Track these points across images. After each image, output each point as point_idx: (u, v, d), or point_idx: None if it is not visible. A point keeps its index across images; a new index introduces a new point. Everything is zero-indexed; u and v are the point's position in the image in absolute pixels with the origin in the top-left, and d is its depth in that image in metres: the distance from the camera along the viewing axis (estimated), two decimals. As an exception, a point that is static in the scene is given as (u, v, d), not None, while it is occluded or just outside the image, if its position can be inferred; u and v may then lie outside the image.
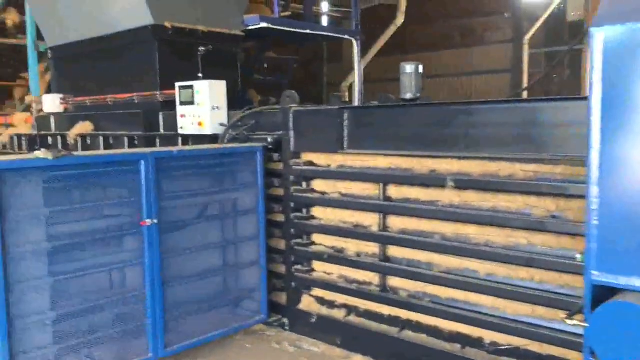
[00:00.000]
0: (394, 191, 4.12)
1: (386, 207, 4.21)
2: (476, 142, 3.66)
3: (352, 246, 4.48)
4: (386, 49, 13.63)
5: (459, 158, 3.71)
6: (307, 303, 4.78)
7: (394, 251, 4.19)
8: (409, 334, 4.13)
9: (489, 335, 3.68)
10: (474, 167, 3.64)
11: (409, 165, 3.99)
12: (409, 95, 4.62)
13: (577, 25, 16.85)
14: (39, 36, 8.08)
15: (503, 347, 3.60)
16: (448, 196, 3.77)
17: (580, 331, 3.02)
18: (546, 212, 3.34)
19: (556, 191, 3.28)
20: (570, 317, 2.93)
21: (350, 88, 13.33)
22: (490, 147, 3.59)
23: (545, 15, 16.45)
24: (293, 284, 4.83)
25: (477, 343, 3.76)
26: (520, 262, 3.47)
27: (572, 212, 3.23)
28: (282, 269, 4.93)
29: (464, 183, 3.68)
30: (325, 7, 13.71)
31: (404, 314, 4.17)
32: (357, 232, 4.42)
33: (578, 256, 2.95)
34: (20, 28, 9.13)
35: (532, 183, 3.37)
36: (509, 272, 3.56)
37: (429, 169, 3.87)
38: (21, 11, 8.81)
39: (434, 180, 3.84)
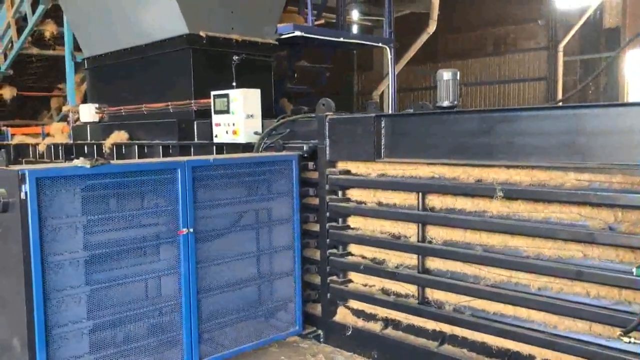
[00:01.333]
0: (438, 201, 3.99)
1: (424, 217, 4.10)
2: (522, 151, 3.52)
3: (389, 257, 4.38)
4: (416, 57, 13.53)
5: (507, 167, 3.57)
6: (342, 315, 4.69)
7: (438, 263, 4.06)
8: (449, 349, 3.99)
9: (541, 353, 3.51)
10: (523, 177, 3.49)
11: (453, 175, 3.86)
12: (446, 103, 4.51)
13: (613, 32, 16.50)
14: (76, 47, 8.22)
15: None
16: (495, 206, 3.64)
17: (636, 349, 2.88)
18: (602, 224, 3.18)
19: (613, 202, 3.11)
20: (626, 333, 2.80)
21: (382, 96, 13.28)
22: (537, 155, 3.45)
23: (580, 23, 16.16)
24: (328, 295, 4.74)
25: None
26: (574, 276, 3.30)
27: (631, 224, 3.06)
28: (317, 279, 4.85)
29: (513, 193, 3.52)
30: (355, 15, 13.70)
31: (446, 328, 4.03)
32: (393, 243, 4.31)
33: (634, 270, 2.81)
34: (58, 39, 9.31)
35: (587, 193, 3.20)
36: (562, 287, 3.40)
37: (475, 179, 3.74)
38: (59, 23, 8.98)
39: (479, 190, 3.70)
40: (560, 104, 12.68)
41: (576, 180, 3.27)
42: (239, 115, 5.31)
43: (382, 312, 4.44)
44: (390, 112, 8.88)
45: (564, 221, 3.36)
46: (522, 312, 3.60)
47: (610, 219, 3.15)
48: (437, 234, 4.03)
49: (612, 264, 3.18)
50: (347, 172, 4.61)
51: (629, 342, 2.72)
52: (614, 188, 3.13)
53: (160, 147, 6.23)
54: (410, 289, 4.23)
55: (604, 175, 3.16)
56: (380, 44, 9.12)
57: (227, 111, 5.40)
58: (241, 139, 5.31)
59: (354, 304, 4.66)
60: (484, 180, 3.69)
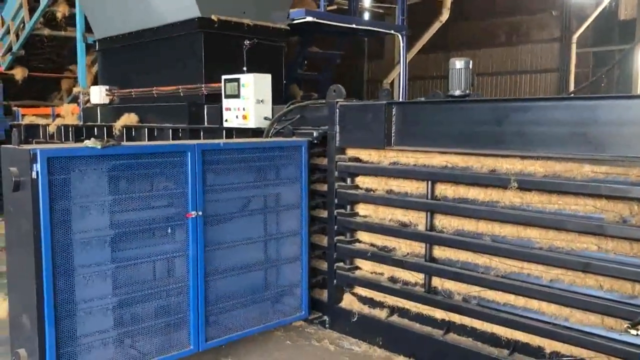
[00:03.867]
0: (451, 190, 3.97)
1: (432, 206, 4.09)
2: (535, 141, 3.48)
3: (396, 244, 4.38)
4: (428, 46, 13.44)
5: (522, 157, 3.54)
6: (348, 301, 4.71)
7: (449, 253, 4.05)
8: (455, 337, 4.01)
9: (550, 345, 3.51)
10: (537, 167, 3.46)
11: (467, 164, 3.84)
12: (457, 92, 4.49)
13: (628, 24, 16.30)
14: (88, 28, 8.22)
15: (567, 359, 3.43)
16: (508, 197, 3.61)
17: (643, 342, 2.87)
18: (618, 217, 3.15)
19: (628, 194, 3.08)
20: (633, 326, 2.80)
21: (392, 84, 13.21)
22: (551, 146, 3.42)
23: (595, 14, 15.98)
24: (335, 281, 4.75)
25: (537, 352, 3.59)
26: (582, 268, 3.29)
27: (643, 217, 3.05)
28: (324, 265, 4.86)
29: (527, 184, 3.49)
30: (367, 2, 13.62)
31: (455, 317, 4.02)
32: (400, 231, 4.31)
33: (643, 263, 2.80)
34: (70, 20, 9.31)
35: (601, 185, 3.18)
36: (574, 279, 3.38)
37: (489, 168, 3.71)
38: (71, 4, 8.98)
39: (491, 180, 3.68)
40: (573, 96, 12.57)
41: (592, 172, 3.23)
42: (249, 100, 5.30)
43: (388, 299, 4.45)
44: (401, 100, 8.84)
45: (578, 213, 3.33)
46: (534, 304, 3.59)
47: (625, 211, 3.12)
48: (449, 224, 4.01)
49: (626, 257, 3.15)
50: (357, 159, 4.60)
51: (636, 335, 2.71)
52: (630, 181, 3.10)
53: (170, 130, 6.24)
54: (418, 278, 4.23)
55: (621, 168, 3.12)
56: (392, 32, 9.05)
57: (237, 96, 5.40)
58: (251, 123, 5.31)
59: (361, 290, 4.67)
60: (497, 170, 3.67)
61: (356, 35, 9.54)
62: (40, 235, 3.26)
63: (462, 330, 4.00)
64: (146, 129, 6.60)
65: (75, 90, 8.64)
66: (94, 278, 3.54)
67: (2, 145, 3.56)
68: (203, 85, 6.10)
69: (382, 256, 4.45)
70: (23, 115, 9.15)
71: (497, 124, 3.70)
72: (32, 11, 9.31)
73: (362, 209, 4.63)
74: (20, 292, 3.50)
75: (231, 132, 5.64)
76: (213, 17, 6.09)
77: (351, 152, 4.65)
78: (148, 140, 6.52)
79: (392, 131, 4.33)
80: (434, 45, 15.15)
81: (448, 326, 4.07)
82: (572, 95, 13.43)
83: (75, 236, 3.44)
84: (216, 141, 4.36)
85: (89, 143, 3.49)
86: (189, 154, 3.90)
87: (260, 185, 4.49)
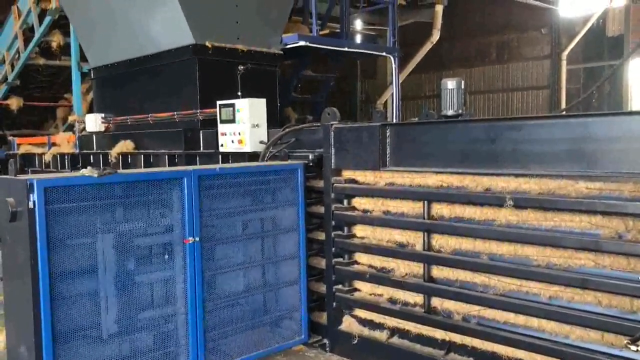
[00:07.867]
0: (447, 210, 3.99)
1: (429, 226, 4.10)
2: (529, 159, 3.52)
3: (395, 265, 4.38)
4: (421, 65, 13.59)
5: (516, 175, 3.57)
6: (348, 324, 4.68)
7: (447, 273, 4.04)
8: (456, 358, 3.98)
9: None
10: (532, 185, 3.48)
11: (462, 183, 3.85)
12: (450, 112, 4.53)
13: (616, 40, 16.53)
14: (82, 57, 8.29)
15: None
16: (504, 215, 3.63)
17: (644, 358, 2.87)
18: (613, 233, 3.17)
19: (623, 210, 3.11)
20: (633, 342, 2.79)
21: (385, 105, 13.31)
22: (545, 164, 3.45)
23: (584, 31, 16.22)
24: (334, 304, 4.73)
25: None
26: (580, 284, 3.30)
27: (638, 232, 3.05)
28: (322, 288, 4.84)
29: (522, 201, 3.51)
30: (358, 24, 13.77)
31: (456, 337, 3.99)
32: (398, 251, 4.31)
33: (641, 278, 2.81)
34: (65, 49, 9.38)
35: (596, 201, 3.20)
36: (572, 296, 3.38)
37: (484, 187, 3.73)
38: (66, 33, 9.05)
39: (487, 199, 3.69)
40: (564, 112, 12.68)
41: (587, 189, 3.25)
42: (244, 125, 5.34)
43: (388, 321, 4.43)
44: (394, 121, 8.90)
45: (574, 230, 3.35)
46: (533, 322, 3.58)
47: (621, 227, 3.14)
48: (446, 243, 4.02)
49: (624, 273, 3.16)
50: (353, 180, 4.62)
51: (636, 351, 2.71)
52: (624, 196, 3.12)
53: (166, 156, 6.26)
54: (418, 298, 4.22)
55: (615, 184, 3.15)
56: (384, 54, 9.15)
57: (233, 120, 5.44)
58: (247, 148, 5.34)
59: (360, 312, 4.65)
60: (492, 188, 3.69)
61: (349, 57, 9.62)
62: (37, 265, 3.26)
63: (463, 350, 3.97)
64: (142, 156, 6.62)
65: (70, 118, 8.68)
66: (93, 307, 3.53)
67: (-1, 176, 3.58)
68: (198, 111, 6.14)
69: (380, 277, 4.44)
70: (19, 145, 9.15)
71: (490, 143, 3.73)
72: (27, 41, 9.39)
73: (360, 231, 4.63)
74: (18, 323, 3.48)
75: (227, 156, 5.67)
76: (207, 43, 6.15)
77: (347, 174, 4.67)
78: (144, 166, 6.53)
79: (387, 152, 4.36)
80: (427, 64, 15.31)
81: (449, 346, 4.05)
82: (565, 112, 13.54)
83: (74, 265, 3.43)
84: (212, 166, 4.38)
85: (86, 172, 3.50)
86: (185, 180, 3.92)
87: (257, 209, 4.50)
